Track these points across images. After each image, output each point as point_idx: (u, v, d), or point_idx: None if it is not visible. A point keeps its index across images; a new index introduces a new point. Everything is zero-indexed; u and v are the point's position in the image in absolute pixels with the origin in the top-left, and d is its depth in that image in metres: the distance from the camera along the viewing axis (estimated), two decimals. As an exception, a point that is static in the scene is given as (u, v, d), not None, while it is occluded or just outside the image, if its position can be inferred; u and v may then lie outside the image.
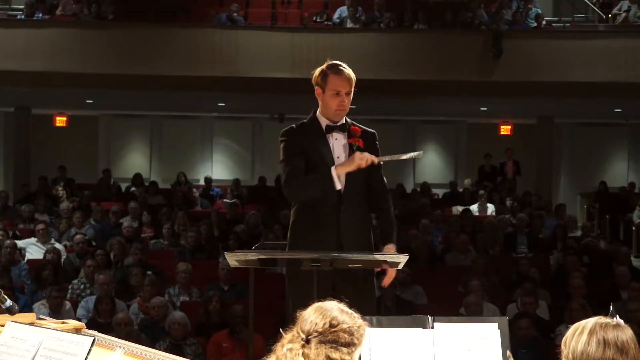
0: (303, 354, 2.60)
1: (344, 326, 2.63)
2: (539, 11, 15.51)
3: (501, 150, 17.72)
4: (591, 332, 2.48)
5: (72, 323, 3.54)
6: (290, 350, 2.62)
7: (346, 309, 2.71)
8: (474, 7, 14.78)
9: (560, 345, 2.64)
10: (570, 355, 2.48)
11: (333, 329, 2.62)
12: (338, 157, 4.45)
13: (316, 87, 4.49)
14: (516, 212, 13.79)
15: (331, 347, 2.59)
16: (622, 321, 2.58)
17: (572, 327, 2.55)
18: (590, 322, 2.54)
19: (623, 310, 7.20)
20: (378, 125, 18.57)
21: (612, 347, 2.45)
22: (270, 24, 14.90)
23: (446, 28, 14.66)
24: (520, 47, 14.15)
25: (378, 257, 4.32)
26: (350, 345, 2.63)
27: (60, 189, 14.52)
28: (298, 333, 2.65)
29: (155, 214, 12.68)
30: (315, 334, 2.61)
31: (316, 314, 2.66)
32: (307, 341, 2.61)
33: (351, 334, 2.64)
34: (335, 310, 2.67)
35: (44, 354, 2.82)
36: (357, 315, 2.70)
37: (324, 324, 2.62)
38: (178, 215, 12.11)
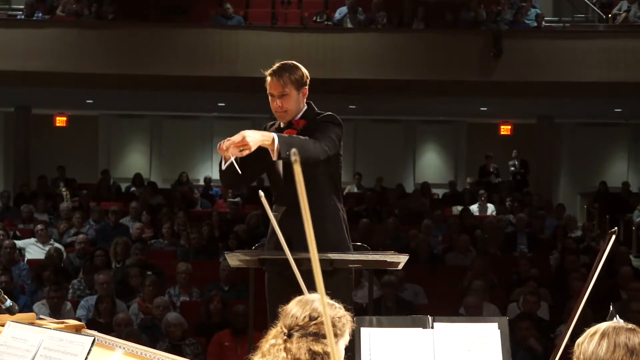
0: (285, 349, 2.59)
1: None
2: (539, 11, 15.52)
3: (501, 150, 17.74)
4: (603, 334, 2.48)
5: (72, 323, 3.54)
6: (273, 345, 2.62)
7: (327, 300, 2.70)
8: (474, 6, 14.78)
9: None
10: (581, 356, 2.49)
11: (313, 322, 2.61)
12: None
13: None
14: (516, 212, 13.79)
15: (312, 340, 2.58)
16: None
17: (587, 330, 2.56)
18: (604, 325, 2.54)
19: (623, 310, 7.20)
20: (378, 125, 18.50)
21: (622, 349, 2.44)
22: (270, 24, 14.92)
23: (446, 28, 14.67)
24: (520, 47, 14.15)
25: (378, 257, 4.31)
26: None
27: (63, 189, 14.52)
28: (281, 328, 2.64)
29: (155, 214, 12.68)
30: (297, 328, 2.60)
31: (297, 308, 2.65)
32: (289, 335, 2.61)
33: (332, 325, 2.63)
34: (315, 302, 2.66)
35: (44, 354, 2.82)
36: (339, 306, 2.69)
37: (304, 317, 2.61)
38: (178, 215, 12.11)
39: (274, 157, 3.93)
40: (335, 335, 2.63)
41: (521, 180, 17.22)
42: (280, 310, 2.69)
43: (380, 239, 10.72)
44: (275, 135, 3.94)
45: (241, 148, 3.89)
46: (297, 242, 4.06)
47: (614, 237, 3.02)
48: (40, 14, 14.67)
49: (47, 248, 10.49)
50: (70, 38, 14.01)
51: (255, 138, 3.89)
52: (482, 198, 14.67)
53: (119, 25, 14.23)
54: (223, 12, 14.76)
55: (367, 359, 3.18)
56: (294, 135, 4.13)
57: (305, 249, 4.08)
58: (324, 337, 2.60)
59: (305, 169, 4.10)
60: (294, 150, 1.96)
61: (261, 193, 3.59)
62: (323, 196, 4.25)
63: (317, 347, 2.58)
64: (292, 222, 4.10)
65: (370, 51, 14.15)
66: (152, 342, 7.15)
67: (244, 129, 4.01)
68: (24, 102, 16.36)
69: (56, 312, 8.01)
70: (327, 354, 2.60)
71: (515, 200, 15.07)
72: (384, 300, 8.30)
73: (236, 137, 3.88)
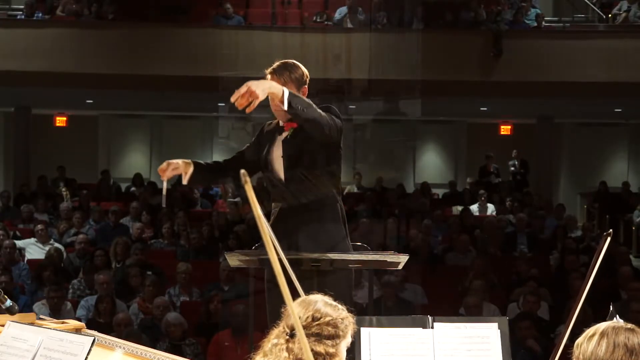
0: (287, 349, 2.59)
1: (327, 319, 2.62)
2: (539, 11, 15.52)
3: (501, 150, 17.72)
4: (603, 335, 2.48)
5: (72, 323, 3.54)
6: (275, 345, 2.62)
7: (330, 301, 2.70)
8: (474, 6, 14.78)
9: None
10: (580, 356, 2.48)
11: (316, 322, 2.61)
12: (281, 155, 4.33)
13: None
14: (516, 212, 13.79)
15: (314, 341, 2.58)
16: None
17: (586, 331, 2.56)
18: (603, 325, 2.54)
19: (623, 310, 7.20)
20: (378, 125, 18.46)
21: (622, 349, 2.44)
22: (270, 24, 14.90)
23: (446, 28, 14.66)
24: (520, 47, 14.15)
25: (378, 257, 4.31)
26: (334, 337, 2.62)
27: (63, 189, 14.51)
28: (284, 328, 2.65)
29: (155, 214, 12.68)
30: None
31: (300, 308, 2.65)
32: (292, 335, 2.60)
33: (335, 326, 2.63)
34: (318, 303, 2.67)
35: (44, 354, 2.82)
36: (342, 307, 2.69)
37: (307, 317, 2.61)
38: (178, 215, 12.10)
39: (284, 107, 3.93)
40: (338, 336, 2.64)
41: (521, 180, 17.23)
42: (282, 310, 2.69)
43: (380, 239, 10.72)
44: (284, 88, 3.96)
45: (251, 100, 3.83)
46: (300, 241, 4.08)
47: (609, 239, 3.02)
48: (40, 14, 14.67)
49: (47, 248, 10.49)
50: (70, 38, 14.01)
51: (263, 86, 3.87)
52: (482, 198, 14.66)
53: (119, 25, 14.22)
54: (223, 12, 14.75)
55: (367, 359, 3.18)
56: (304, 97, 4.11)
57: (308, 248, 4.13)
58: (326, 337, 2.61)
59: (307, 160, 4.15)
60: (243, 171, 1.97)
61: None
62: (322, 189, 4.25)
63: (319, 348, 2.58)
64: (292, 221, 4.12)
65: (371, 51, 14.14)
66: (152, 342, 7.15)
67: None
68: (24, 102, 16.36)
69: (56, 312, 8.01)
70: (329, 354, 2.60)
71: (515, 200, 15.06)
72: (384, 300, 8.29)
73: (242, 88, 3.83)
